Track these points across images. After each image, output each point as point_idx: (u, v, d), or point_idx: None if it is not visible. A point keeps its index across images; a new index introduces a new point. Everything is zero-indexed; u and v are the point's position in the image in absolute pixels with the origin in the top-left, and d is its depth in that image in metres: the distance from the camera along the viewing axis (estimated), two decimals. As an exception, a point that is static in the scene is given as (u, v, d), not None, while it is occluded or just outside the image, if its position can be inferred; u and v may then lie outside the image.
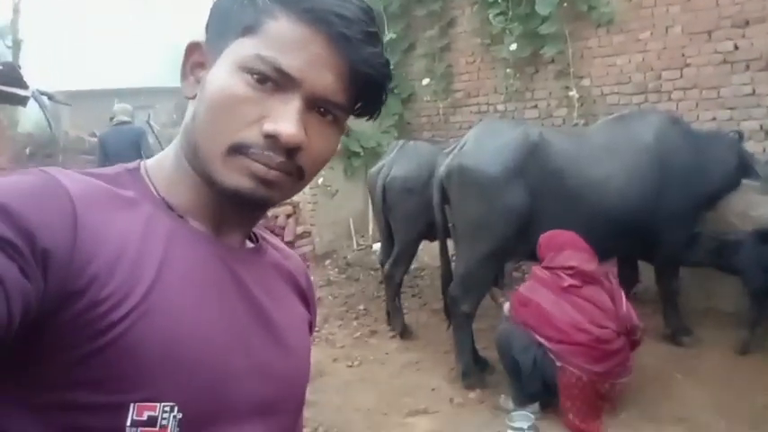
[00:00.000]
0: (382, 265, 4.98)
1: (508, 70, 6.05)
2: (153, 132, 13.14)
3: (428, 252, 6.00)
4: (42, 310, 0.56)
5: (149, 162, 0.76)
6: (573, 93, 5.59)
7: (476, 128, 3.96)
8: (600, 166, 3.70)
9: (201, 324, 0.66)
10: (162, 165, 0.75)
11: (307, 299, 0.89)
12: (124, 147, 6.28)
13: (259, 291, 0.76)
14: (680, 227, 3.90)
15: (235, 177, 0.67)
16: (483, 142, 3.69)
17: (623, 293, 3.46)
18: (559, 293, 3.29)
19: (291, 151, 0.67)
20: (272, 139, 0.66)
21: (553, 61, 5.80)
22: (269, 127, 0.66)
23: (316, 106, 0.69)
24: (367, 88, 0.71)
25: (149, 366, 0.61)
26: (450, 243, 4.24)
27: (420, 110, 7.00)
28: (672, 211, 3.79)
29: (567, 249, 3.37)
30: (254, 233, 0.84)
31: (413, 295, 5.82)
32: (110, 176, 0.70)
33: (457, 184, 3.71)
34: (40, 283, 0.55)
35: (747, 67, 4.69)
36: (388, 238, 4.85)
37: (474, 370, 3.96)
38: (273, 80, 0.66)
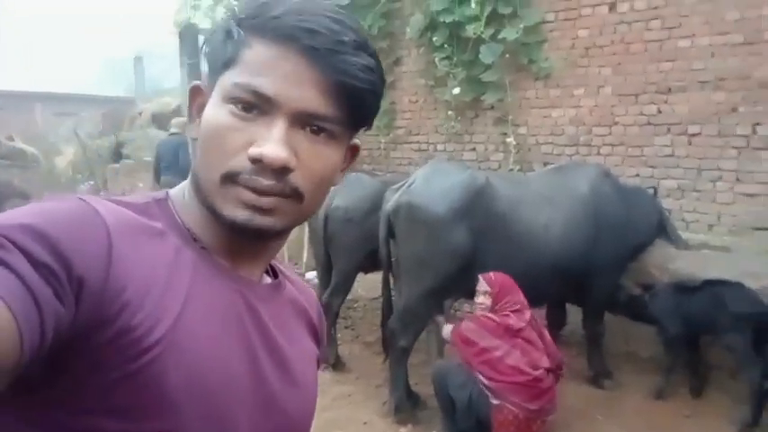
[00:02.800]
0: (319, 296, 4.95)
1: (450, 112, 6.25)
2: (79, 141, 12.54)
3: (362, 284, 6.02)
4: (74, 336, 0.57)
5: (173, 192, 0.77)
6: (510, 139, 5.84)
7: (425, 167, 4.07)
8: (540, 213, 3.89)
9: (221, 358, 0.68)
10: (182, 196, 0.77)
11: (317, 334, 0.90)
12: (171, 155, 7.04)
13: (275, 327, 0.77)
14: (610, 274, 4.14)
15: (230, 208, 0.69)
16: (431, 182, 3.80)
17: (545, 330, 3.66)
18: (506, 338, 3.40)
19: (280, 172, 0.67)
20: (258, 163, 0.66)
21: (493, 108, 6.05)
22: (253, 151, 0.66)
23: (304, 124, 0.69)
24: (350, 97, 0.70)
25: (170, 397, 0.62)
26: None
27: (362, 143, 7.07)
28: (604, 259, 4.02)
29: (512, 293, 3.50)
30: (271, 266, 0.85)
31: (345, 327, 5.80)
32: (140, 207, 0.71)
33: (404, 220, 3.78)
34: (73, 309, 0.56)
35: (668, 131, 5.07)
36: (326, 267, 4.84)
37: (406, 405, 3.99)
38: (256, 106, 0.67)
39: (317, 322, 0.90)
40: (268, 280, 0.83)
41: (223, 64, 0.70)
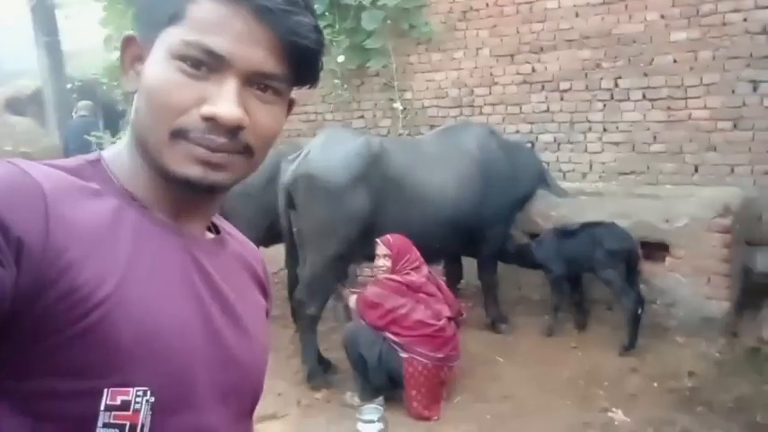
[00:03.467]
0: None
1: (336, 81, 6.26)
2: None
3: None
4: (19, 299, 0.57)
5: (107, 154, 0.76)
6: (397, 105, 5.97)
7: (319, 136, 4.08)
8: (434, 174, 4.05)
9: (170, 312, 0.68)
10: (119, 156, 0.75)
11: (264, 287, 0.91)
12: (81, 138, 7.00)
13: (222, 281, 0.77)
14: (500, 225, 4.40)
15: (181, 164, 0.68)
16: (328, 150, 3.83)
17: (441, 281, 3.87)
18: (408, 295, 3.54)
19: (233, 131, 0.68)
20: (211, 121, 0.67)
21: (378, 74, 6.14)
22: (206, 110, 0.66)
23: (253, 83, 0.69)
24: (300, 57, 0.71)
25: (123, 353, 0.62)
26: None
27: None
28: (494, 212, 4.27)
29: (409, 251, 3.64)
30: (213, 223, 0.85)
31: (248, 303, 5.74)
32: (73, 169, 0.69)
33: (303, 190, 3.79)
34: (14, 272, 0.56)
35: (542, 88, 5.42)
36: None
37: (319, 371, 4.06)
38: (206, 64, 0.67)
39: (262, 275, 0.91)
40: (211, 236, 0.83)
41: (167, 18, 0.68)
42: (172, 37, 0.68)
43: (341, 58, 6.01)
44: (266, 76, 0.70)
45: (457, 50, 5.76)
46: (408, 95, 6.04)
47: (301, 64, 0.72)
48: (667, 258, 4.41)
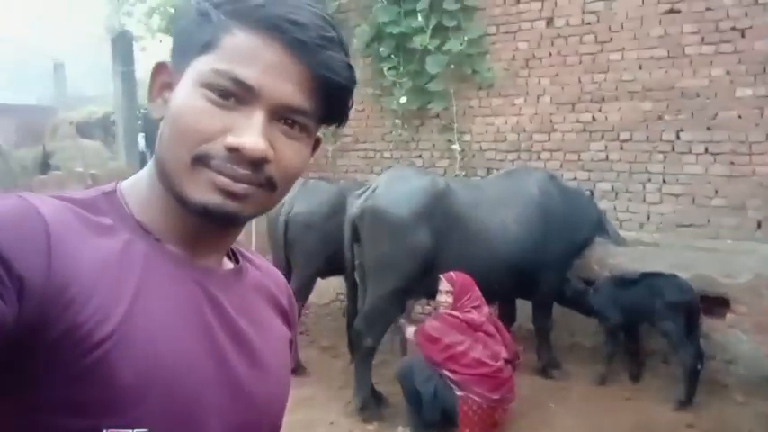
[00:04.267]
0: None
1: (396, 121, 6.45)
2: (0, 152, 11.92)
3: (314, 290, 6.12)
4: (20, 334, 0.57)
5: (125, 184, 0.76)
6: (455, 146, 6.11)
7: (387, 173, 4.25)
8: (495, 215, 4.14)
9: (177, 350, 0.66)
10: (137, 187, 0.75)
11: (288, 317, 0.89)
12: None
13: (238, 314, 0.75)
14: (557, 269, 4.44)
15: (201, 192, 0.67)
16: (394, 186, 3.98)
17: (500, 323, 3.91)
18: (467, 332, 3.61)
19: (257, 163, 0.67)
20: (235, 152, 0.66)
21: (438, 116, 6.31)
22: (231, 140, 0.66)
23: (281, 117, 0.68)
24: (330, 93, 0.70)
25: (124, 393, 0.61)
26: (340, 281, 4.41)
27: (307, 151, 7.16)
28: (552, 256, 4.32)
29: (473, 290, 3.72)
30: (233, 251, 0.84)
31: (300, 332, 5.86)
32: (86, 201, 0.69)
33: (369, 223, 3.93)
34: (16, 308, 0.56)
35: (602, 137, 5.48)
36: (286, 273, 4.91)
37: (371, 403, 4.12)
38: (234, 94, 0.66)
39: (286, 305, 0.89)
40: (230, 265, 0.82)
41: (200, 47, 0.68)
42: (202, 65, 0.67)
43: (403, 99, 6.21)
44: (294, 111, 0.69)
45: (518, 96, 5.89)
46: (467, 138, 6.18)
47: (331, 101, 0.71)
48: (727, 314, 4.36)
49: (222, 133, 0.66)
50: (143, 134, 10.87)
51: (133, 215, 0.71)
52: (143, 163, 7.32)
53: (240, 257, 0.84)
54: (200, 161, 0.66)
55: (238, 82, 0.66)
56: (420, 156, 6.53)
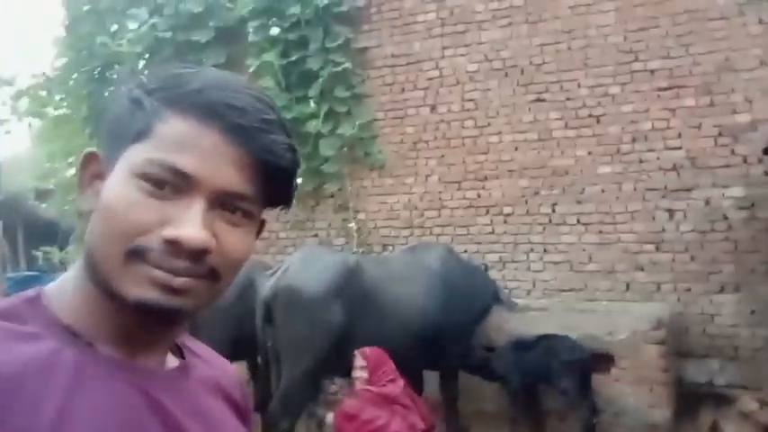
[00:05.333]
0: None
1: (291, 201, 6.56)
2: None
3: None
4: None
5: (49, 288, 0.70)
6: (352, 225, 6.32)
7: (299, 252, 4.31)
8: (402, 289, 4.31)
9: None
10: (63, 288, 0.69)
11: (242, 411, 0.83)
12: None
13: (185, 415, 0.69)
14: (462, 338, 4.65)
15: (136, 288, 0.62)
16: (307, 265, 4.04)
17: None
18: (384, 407, 3.66)
19: (197, 255, 0.62)
20: (174, 244, 0.61)
21: (332, 196, 6.53)
22: (169, 233, 0.61)
23: (221, 204, 0.65)
24: (273, 177, 0.67)
25: None
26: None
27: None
28: (456, 325, 4.53)
29: (386, 364, 3.81)
30: (177, 345, 0.77)
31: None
32: (5, 311, 0.64)
33: (282, 304, 3.94)
34: None
35: (487, 212, 5.96)
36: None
37: (291, 489, 3.99)
38: (170, 183, 0.63)
39: (239, 398, 0.82)
40: (174, 362, 0.75)
41: (132, 136, 0.64)
42: (135, 154, 0.64)
43: (298, 181, 6.35)
44: (236, 197, 0.65)
45: (408, 176, 6.27)
46: (362, 216, 6.42)
47: (275, 184, 0.68)
48: (612, 369, 4.78)
49: (159, 225, 0.62)
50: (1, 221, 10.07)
51: (60, 320, 0.65)
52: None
53: (186, 352, 0.77)
54: (136, 255, 0.62)
55: (175, 170, 0.62)
56: (316, 234, 6.65)
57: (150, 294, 0.62)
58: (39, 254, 11.65)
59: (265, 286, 4.03)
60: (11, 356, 0.58)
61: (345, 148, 6.34)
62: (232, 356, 4.79)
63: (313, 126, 6.23)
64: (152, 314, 0.63)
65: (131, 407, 0.63)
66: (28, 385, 0.57)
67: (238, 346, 4.56)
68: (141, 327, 0.66)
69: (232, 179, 0.64)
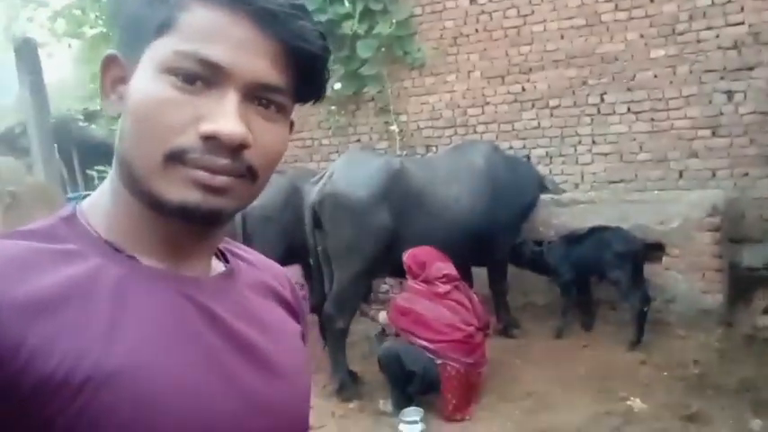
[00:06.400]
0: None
1: (332, 107, 6.51)
2: None
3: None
4: None
5: (84, 204, 0.68)
6: (393, 127, 6.25)
7: (342, 158, 4.32)
8: (449, 189, 4.31)
9: (173, 376, 0.60)
10: (99, 203, 0.68)
11: (294, 309, 0.82)
12: None
13: (236, 320, 0.68)
14: (509, 234, 4.68)
15: (178, 190, 0.60)
16: (351, 170, 4.06)
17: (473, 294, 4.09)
18: (435, 300, 3.77)
19: (236, 151, 0.60)
20: (211, 140, 0.59)
21: (373, 99, 6.42)
22: (206, 127, 0.59)
23: (255, 97, 0.62)
24: (306, 66, 0.64)
25: (127, 430, 0.56)
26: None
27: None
28: (504, 222, 4.55)
29: (436, 262, 3.87)
30: (221, 251, 0.76)
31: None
32: (43, 232, 0.63)
33: (329, 209, 4.00)
34: None
35: (533, 105, 5.77)
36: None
37: (349, 383, 4.22)
38: (201, 77, 0.60)
39: (290, 297, 0.82)
40: (219, 268, 0.74)
41: (154, 30, 0.61)
42: (161, 49, 0.60)
43: (337, 86, 6.27)
44: (270, 89, 0.63)
45: (449, 74, 6.09)
46: (404, 118, 6.33)
47: (307, 74, 0.65)
48: (664, 258, 4.74)
49: (194, 122, 0.59)
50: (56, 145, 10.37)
51: (100, 235, 0.64)
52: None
53: (230, 257, 0.76)
54: (174, 158, 0.60)
55: (205, 62, 0.59)
56: (359, 140, 6.63)
57: (192, 196, 0.60)
58: (94, 174, 12.08)
59: (311, 192, 4.08)
60: (52, 278, 0.57)
61: (383, 49, 6.14)
62: (285, 261, 4.99)
63: (349, 27, 6.03)
64: (194, 216, 0.61)
65: (181, 316, 0.63)
66: (72, 306, 0.56)
67: (290, 251, 4.72)
68: (183, 233, 0.65)
69: (266, 70, 0.61)
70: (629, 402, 3.83)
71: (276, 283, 0.80)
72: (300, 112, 6.01)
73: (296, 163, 6.80)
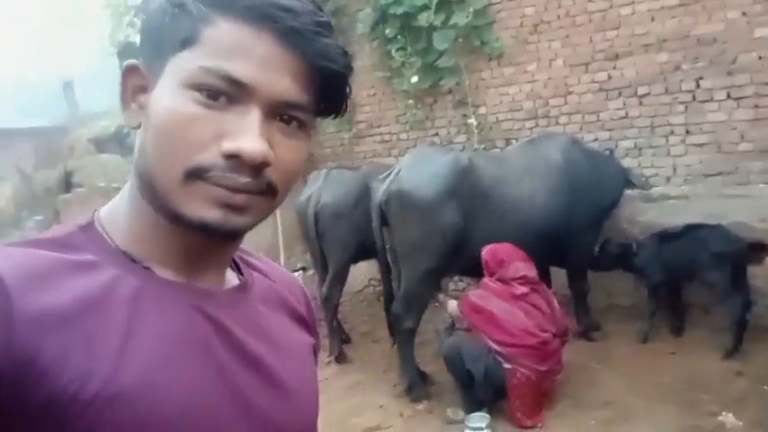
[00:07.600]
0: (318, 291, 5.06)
1: (409, 101, 6.43)
2: (22, 175, 12.15)
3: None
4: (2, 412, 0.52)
5: (102, 213, 0.69)
6: (471, 120, 6.08)
7: (409, 155, 4.24)
8: (522, 185, 4.13)
9: (183, 393, 0.60)
10: (116, 212, 0.68)
11: (306, 322, 0.82)
12: None
13: (248, 335, 0.69)
14: (589, 233, 4.42)
15: (198, 208, 0.61)
16: (418, 168, 3.98)
17: (554, 298, 3.88)
18: (511, 301, 3.62)
19: (257, 169, 0.61)
20: (233, 159, 0.59)
21: (451, 92, 6.27)
22: (228, 146, 0.59)
23: (277, 114, 0.62)
24: (329, 84, 0.65)
25: None
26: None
27: (323, 141, 7.19)
28: (583, 221, 4.29)
29: (514, 261, 3.71)
30: (235, 262, 0.77)
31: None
32: (61, 241, 0.63)
33: (396, 207, 3.95)
34: None
35: (620, 94, 5.41)
36: (321, 264, 4.98)
37: (419, 383, 4.16)
38: (225, 93, 0.60)
39: (303, 310, 0.82)
40: (233, 280, 0.75)
41: (179, 42, 0.61)
42: (185, 63, 0.60)
43: (414, 79, 6.19)
44: (292, 106, 0.63)
45: (529, 63, 5.83)
46: (482, 111, 6.14)
47: (329, 91, 0.66)
48: (766, 259, 4.30)
49: (216, 139, 0.60)
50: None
51: (117, 246, 0.65)
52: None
53: (244, 267, 0.77)
54: (195, 175, 0.60)
55: (230, 79, 0.59)
56: (437, 133, 6.51)
57: (212, 214, 0.61)
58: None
59: (379, 190, 4.04)
60: (68, 290, 0.57)
61: (460, 39, 5.97)
62: (357, 258, 5.01)
63: (425, 19, 5.91)
64: (214, 234, 0.62)
65: (193, 332, 0.64)
66: (87, 319, 0.57)
67: (363, 248, 4.72)
68: (200, 246, 0.65)
69: (289, 87, 0.62)
70: (720, 418, 3.51)
71: (290, 295, 0.81)
72: (378, 107, 5.96)
73: (374, 158, 6.80)
